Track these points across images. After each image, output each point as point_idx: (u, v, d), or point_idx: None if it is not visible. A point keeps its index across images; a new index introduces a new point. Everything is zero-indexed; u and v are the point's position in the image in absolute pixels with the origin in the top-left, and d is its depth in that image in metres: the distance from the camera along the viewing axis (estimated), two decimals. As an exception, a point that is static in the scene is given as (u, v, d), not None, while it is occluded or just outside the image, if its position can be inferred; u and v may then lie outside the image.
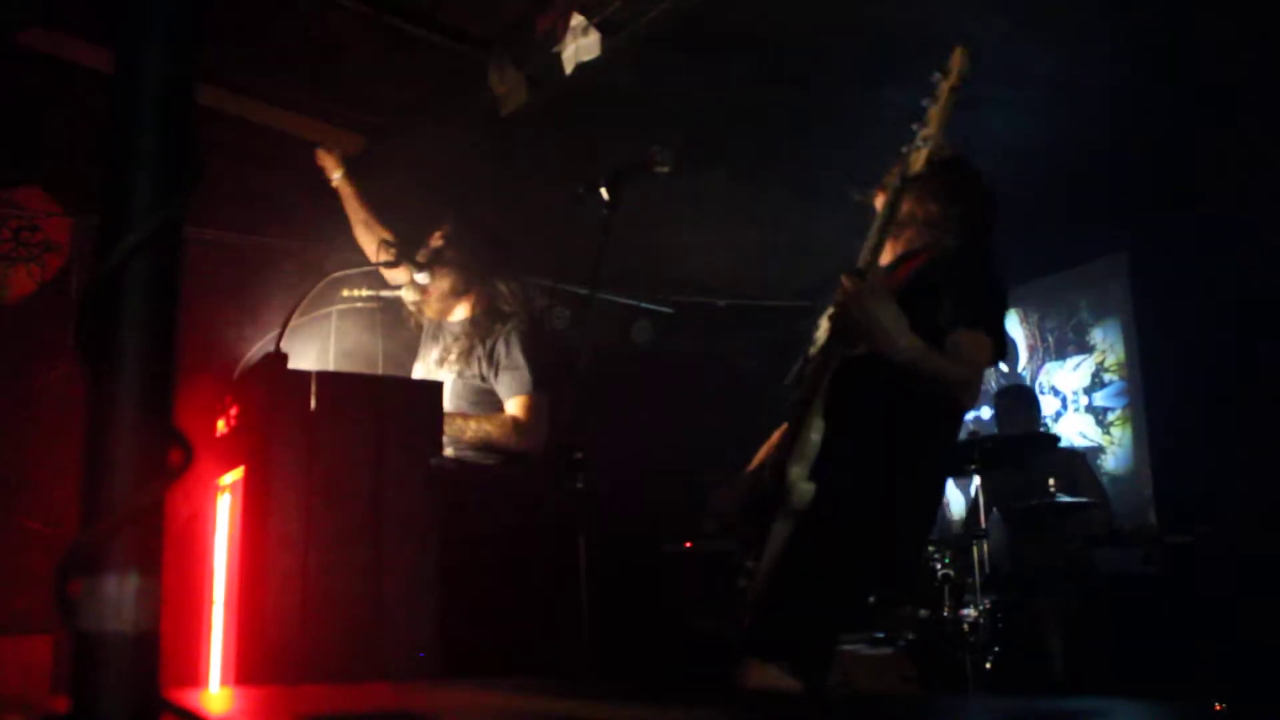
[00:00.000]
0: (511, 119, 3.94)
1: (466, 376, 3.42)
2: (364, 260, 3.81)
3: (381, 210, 3.89)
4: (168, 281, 0.69)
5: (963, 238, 2.31)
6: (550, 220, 4.58)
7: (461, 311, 3.56)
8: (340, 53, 4.03)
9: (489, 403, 3.42)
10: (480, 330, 3.47)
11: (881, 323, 2.05)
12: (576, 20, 3.49)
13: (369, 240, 3.76)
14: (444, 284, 3.49)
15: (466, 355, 3.43)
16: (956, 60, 2.11)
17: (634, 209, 2.66)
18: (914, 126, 2.13)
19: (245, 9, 3.62)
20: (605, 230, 2.58)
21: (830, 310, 2.36)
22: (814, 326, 2.49)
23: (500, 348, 3.42)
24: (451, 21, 3.87)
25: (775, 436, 2.54)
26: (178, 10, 0.72)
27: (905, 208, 2.32)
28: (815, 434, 2.12)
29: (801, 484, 2.09)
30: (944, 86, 2.10)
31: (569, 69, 3.54)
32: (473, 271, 3.51)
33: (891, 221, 2.16)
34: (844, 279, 2.08)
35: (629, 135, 4.14)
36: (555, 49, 3.58)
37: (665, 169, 2.60)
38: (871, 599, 2.75)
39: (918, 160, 2.10)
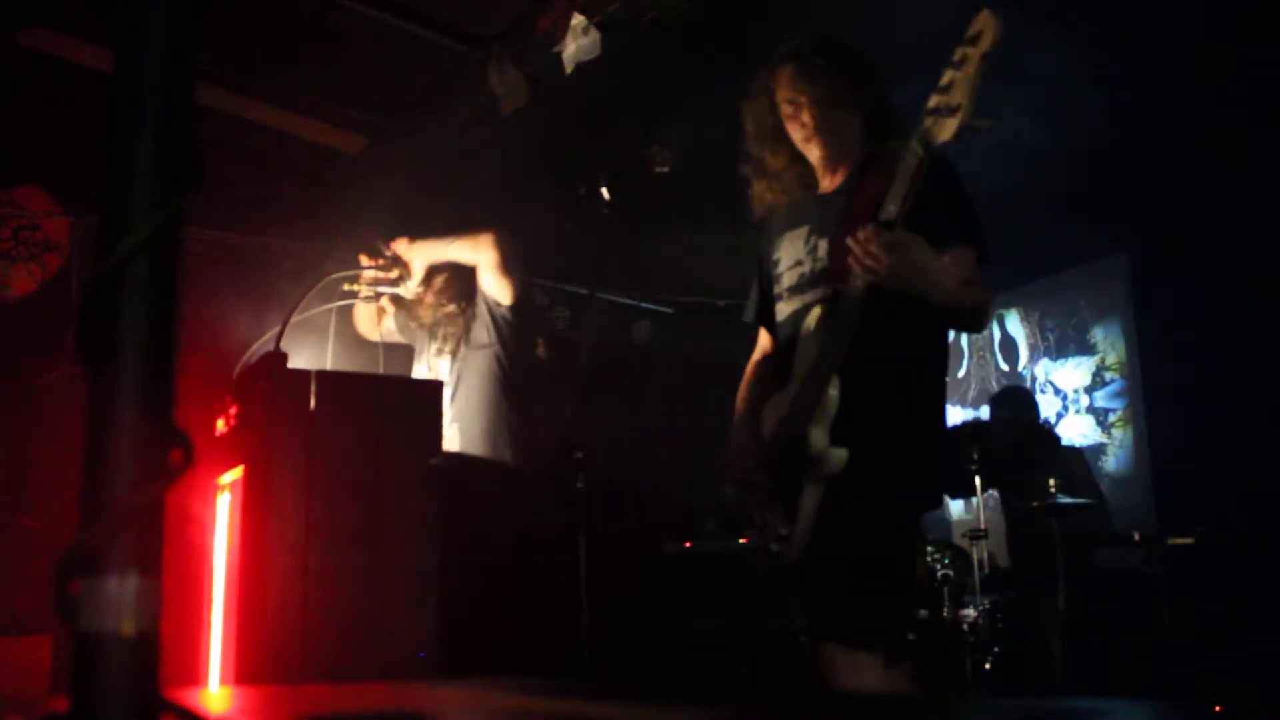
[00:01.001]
0: (511, 119, 3.94)
1: (463, 353, 3.37)
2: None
3: (381, 210, 3.89)
4: (168, 281, 0.69)
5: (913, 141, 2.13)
6: (550, 220, 4.58)
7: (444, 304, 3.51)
8: (340, 52, 4.03)
9: (490, 374, 3.37)
10: (457, 303, 3.42)
11: (926, 269, 1.99)
12: (576, 20, 3.49)
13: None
14: (438, 284, 3.46)
15: (455, 337, 3.40)
16: (985, 23, 1.92)
17: (634, 209, 2.66)
18: (931, 95, 1.96)
19: (245, 9, 3.62)
20: (605, 230, 2.58)
21: (794, 255, 2.29)
22: (772, 264, 2.38)
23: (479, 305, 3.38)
24: (451, 21, 3.86)
25: (749, 373, 2.49)
26: (178, 10, 0.72)
27: (833, 120, 2.23)
28: (834, 390, 2.05)
29: (832, 451, 2.04)
30: (972, 53, 1.92)
31: (569, 69, 3.54)
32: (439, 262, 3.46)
33: (917, 184, 1.97)
34: (871, 232, 1.95)
35: (629, 135, 4.15)
36: (555, 49, 3.58)
37: (665, 169, 2.60)
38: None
39: (945, 129, 1.92)
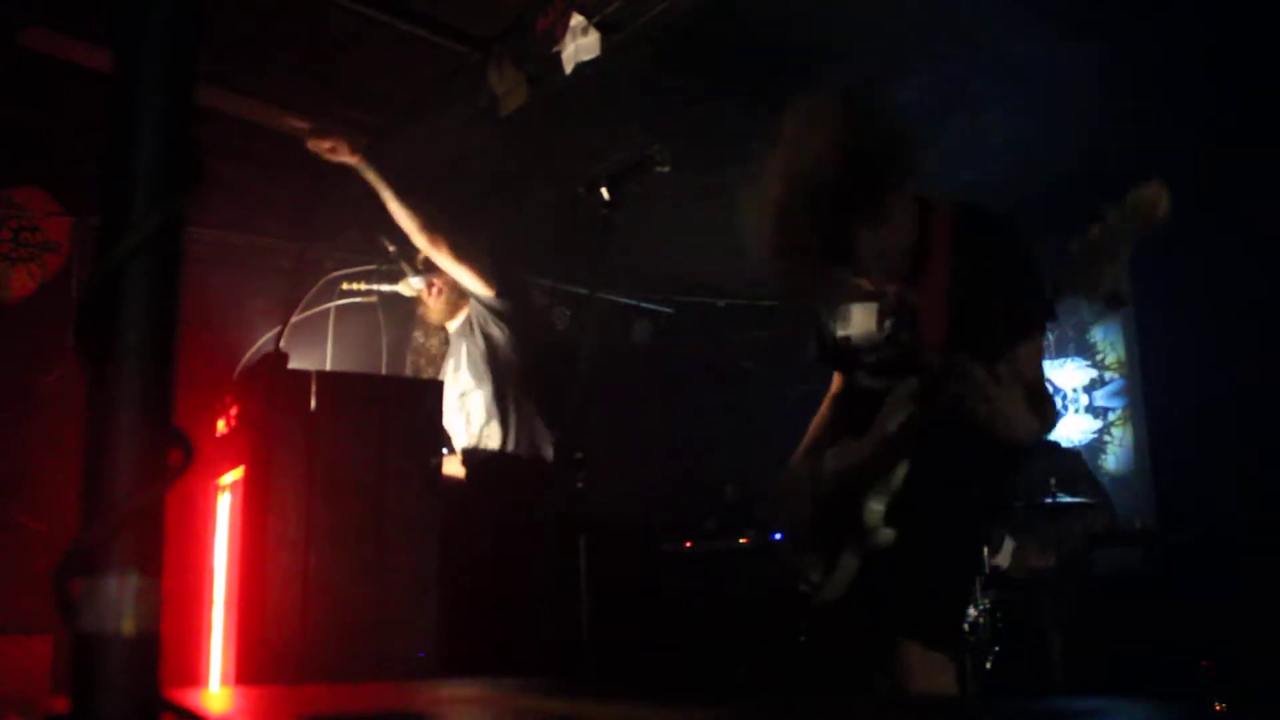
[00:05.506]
0: (511, 118, 3.94)
1: (485, 386, 3.36)
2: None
3: (381, 209, 3.87)
4: (168, 281, 0.69)
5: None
6: (550, 220, 4.57)
7: (461, 317, 3.51)
8: (340, 52, 4.03)
9: (511, 414, 3.36)
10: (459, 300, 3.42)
11: (1009, 415, 1.90)
12: (576, 20, 3.49)
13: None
14: (446, 287, 3.43)
15: (472, 362, 3.38)
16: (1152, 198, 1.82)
17: (634, 209, 2.66)
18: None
19: (245, 9, 3.62)
20: (605, 230, 2.57)
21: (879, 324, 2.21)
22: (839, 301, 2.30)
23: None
24: (451, 21, 3.86)
25: (823, 409, 2.40)
26: (178, 10, 0.72)
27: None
28: (902, 469, 2.03)
29: (884, 529, 2.04)
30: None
31: (568, 69, 3.54)
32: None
33: None
34: (965, 361, 1.89)
35: (629, 134, 4.15)
36: (555, 49, 3.58)
37: (665, 168, 2.60)
38: None
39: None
